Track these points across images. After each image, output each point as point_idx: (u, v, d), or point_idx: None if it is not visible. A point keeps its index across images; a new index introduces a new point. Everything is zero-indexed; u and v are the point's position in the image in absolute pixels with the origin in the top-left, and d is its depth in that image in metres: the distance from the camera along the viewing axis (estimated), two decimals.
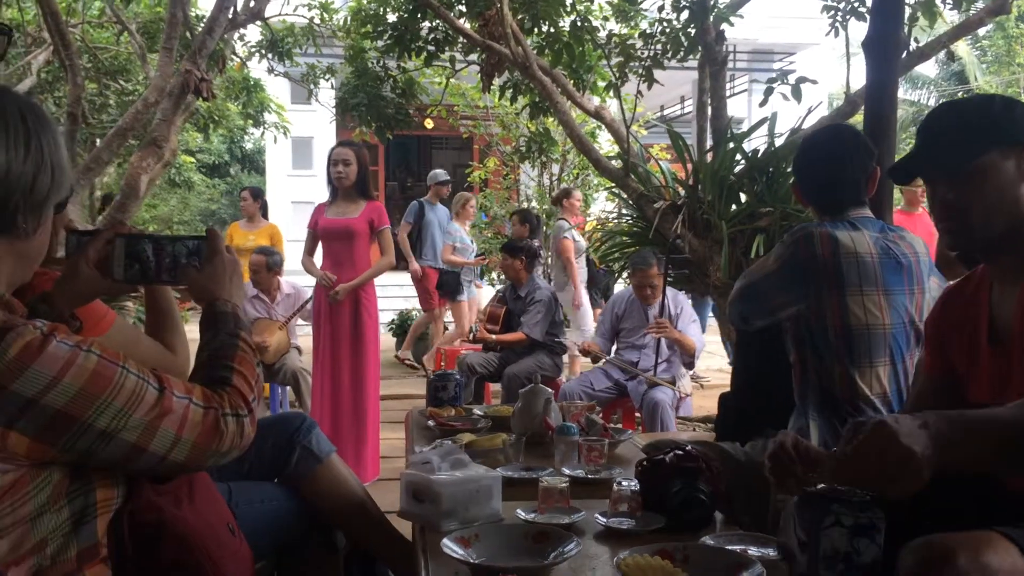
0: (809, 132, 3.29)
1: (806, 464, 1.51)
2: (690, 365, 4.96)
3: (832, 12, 5.22)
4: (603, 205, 9.75)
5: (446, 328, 8.58)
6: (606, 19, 6.52)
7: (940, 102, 19.17)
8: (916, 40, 5.22)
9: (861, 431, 1.24)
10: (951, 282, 1.83)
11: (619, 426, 2.96)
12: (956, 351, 1.73)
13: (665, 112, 16.01)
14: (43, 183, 1.28)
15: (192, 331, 1.57)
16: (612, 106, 6.52)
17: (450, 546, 1.62)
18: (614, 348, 5.16)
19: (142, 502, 1.39)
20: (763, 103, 4.90)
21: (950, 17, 6.31)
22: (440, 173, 8.57)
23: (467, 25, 6.11)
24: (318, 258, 4.83)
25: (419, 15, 6.27)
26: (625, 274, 5.10)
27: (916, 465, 1.19)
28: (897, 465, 1.20)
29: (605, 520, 1.84)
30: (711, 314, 7.89)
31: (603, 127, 6.28)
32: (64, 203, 1.40)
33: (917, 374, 1.98)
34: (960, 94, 19.00)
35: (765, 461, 1.57)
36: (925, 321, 1.90)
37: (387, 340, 8.20)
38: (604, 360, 4.99)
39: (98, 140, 7.65)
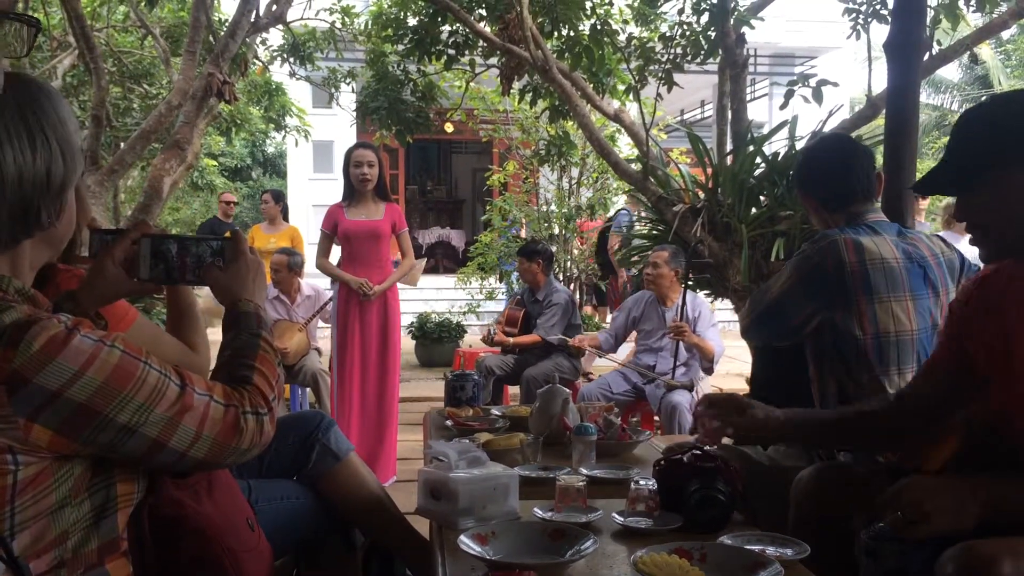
0: (806, 145, 3.29)
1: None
2: (709, 370, 4.95)
3: (854, 15, 5.19)
4: (622, 208, 9.73)
5: None
6: (626, 22, 6.52)
7: (965, 107, 19.04)
8: (938, 43, 5.18)
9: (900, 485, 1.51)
10: (977, 271, 1.80)
11: (638, 427, 2.95)
12: (979, 344, 1.71)
13: (685, 116, 15.97)
14: (57, 171, 1.27)
15: (214, 333, 1.58)
16: (632, 109, 6.51)
17: (467, 543, 1.62)
18: (631, 349, 5.15)
19: (162, 496, 1.41)
20: (783, 106, 4.88)
21: (973, 20, 6.27)
22: None
23: (487, 29, 6.12)
24: (334, 260, 4.86)
25: (439, 19, 6.29)
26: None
27: (931, 524, 1.43)
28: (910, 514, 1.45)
29: (622, 519, 1.84)
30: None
31: (623, 130, 6.26)
32: (82, 172, 1.39)
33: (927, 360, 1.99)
34: (984, 99, 18.84)
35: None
36: (951, 305, 1.87)
37: (406, 343, 8.22)
38: (619, 363, 4.99)
39: (122, 143, 7.72)
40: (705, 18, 5.22)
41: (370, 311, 4.69)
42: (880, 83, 4.49)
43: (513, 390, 5.96)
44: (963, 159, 1.60)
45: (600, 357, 5.09)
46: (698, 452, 1.93)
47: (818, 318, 2.30)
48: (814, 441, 2.18)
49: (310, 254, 6.75)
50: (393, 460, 4.74)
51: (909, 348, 2.27)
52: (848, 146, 2.47)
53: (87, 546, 1.28)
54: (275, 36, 8.75)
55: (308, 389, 5.78)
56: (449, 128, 9.68)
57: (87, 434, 1.21)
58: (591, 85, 6.01)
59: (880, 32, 4.52)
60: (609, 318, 10.62)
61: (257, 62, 8.67)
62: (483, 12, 6.26)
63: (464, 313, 9.99)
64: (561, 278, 9.33)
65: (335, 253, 4.89)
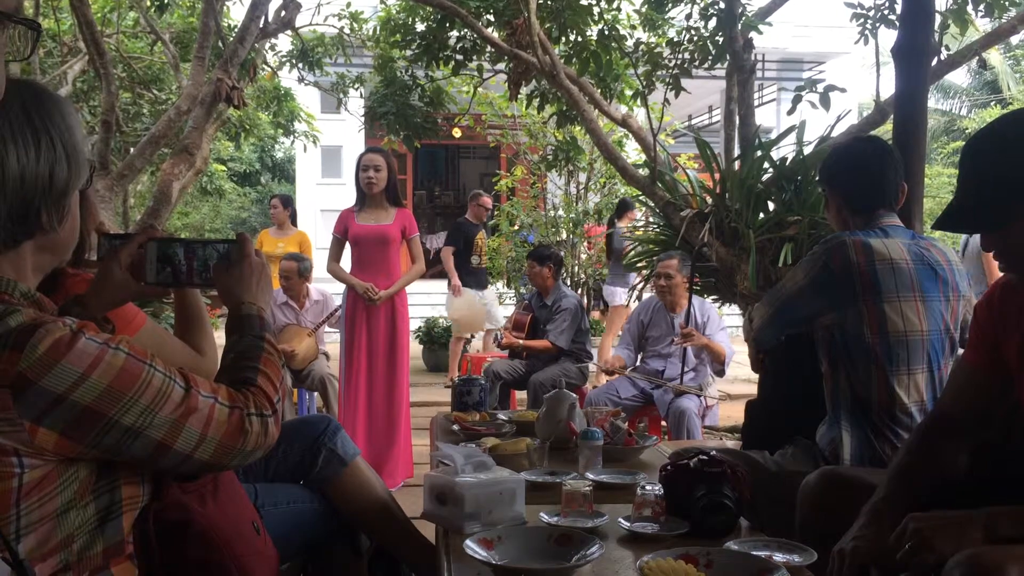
0: (841, 142, 3.25)
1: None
2: (721, 372, 4.92)
3: (862, 20, 5.19)
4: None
5: None
6: (633, 28, 6.52)
7: (974, 112, 18.69)
8: (947, 48, 5.17)
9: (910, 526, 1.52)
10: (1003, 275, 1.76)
11: (645, 432, 2.94)
12: (1009, 348, 1.70)
13: (693, 121, 15.96)
14: (61, 175, 1.28)
15: (220, 336, 1.58)
16: (639, 115, 6.51)
17: (473, 548, 1.62)
18: (639, 357, 5.14)
19: (168, 500, 1.41)
20: (791, 111, 4.87)
21: (982, 25, 6.25)
22: None
23: (495, 34, 6.13)
24: (345, 264, 4.86)
25: (447, 24, 6.31)
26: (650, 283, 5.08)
27: (935, 551, 1.44)
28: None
29: (629, 524, 1.83)
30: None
31: (630, 136, 6.27)
32: (90, 179, 1.40)
33: (958, 367, 1.95)
34: (992, 104, 18.78)
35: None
36: (975, 308, 1.85)
37: (414, 347, 8.23)
38: (627, 372, 4.97)
39: (132, 148, 7.76)
40: (713, 23, 5.23)
41: (378, 316, 4.69)
42: (888, 88, 4.48)
43: (520, 395, 5.95)
44: (982, 200, 1.58)
45: (623, 374, 5.00)
46: (704, 457, 1.93)
47: (828, 317, 2.31)
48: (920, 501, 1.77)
49: (318, 259, 6.80)
50: (403, 463, 4.73)
51: (919, 349, 2.26)
52: (887, 151, 2.45)
53: (92, 549, 1.28)
54: (284, 42, 8.79)
55: (316, 393, 5.79)
56: (457, 133, 9.70)
57: (92, 437, 1.21)
58: (599, 90, 6.02)
59: (888, 37, 4.52)
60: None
61: (266, 67, 8.70)
62: (491, 18, 6.27)
63: None
64: (568, 283, 9.32)
65: (346, 258, 4.89)
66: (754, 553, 1.64)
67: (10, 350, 1.17)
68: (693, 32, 5.45)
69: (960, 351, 2.31)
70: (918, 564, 1.47)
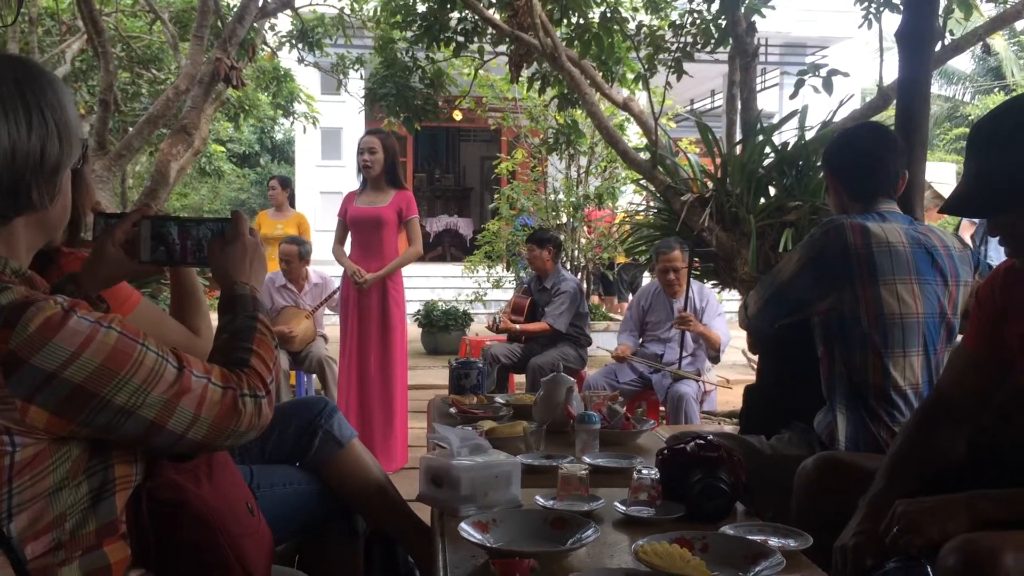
0: (846, 127, 3.25)
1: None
2: (715, 359, 4.93)
3: (865, 4, 5.15)
4: (630, 198, 9.70)
5: None
6: (636, 10, 6.48)
7: (977, 98, 18.61)
8: (951, 33, 5.14)
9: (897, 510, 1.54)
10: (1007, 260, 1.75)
11: (643, 416, 2.94)
12: (1011, 334, 1.69)
13: (695, 105, 15.91)
14: (52, 151, 1.27)
15: (215, 318, 1.57)
16: (641, 98, 6.48)
17: (468, 530, 1.62)
18: (640, 342, 5.13)
19: (161, 479, 1.40)
20: (793, 96, 4.85)
21: (986, 9, 6.20)
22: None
23: (496, 16, 6.09)
24: (348, 247, 4.85)
25: (448, 5, 6.26)
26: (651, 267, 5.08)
27: (923, 534, 1.47)
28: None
29: (624, 508, 1.83)
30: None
31: (632, 119, 6.24)
32: (84, 157, 1.39)
33: (958, 352, 1.94)
34: (996, 90, 18.72)
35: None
36: (977, 292, 1.86)
37: (413, 330, 8.23)
38: (629, 358, 4.97)
39: (130, 128, 7.72)
40: (716, 6, 5.20)
41: (369, 298, 4.66)
42: (891, 73, 4.45)
43: (519, 379, 5.95)
44: (984, 185, 1.58)
45: (635, 361, 4.98)
46: (701, 442, 1.92)
47: (826, 300, 2.31)
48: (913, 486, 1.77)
49: (316, 241, 6.79)
50: (403, 447, 4.72)
51: (915, 331, 2.27)
52: (890, 138, 2.46)
53: (85, 528, 1.27)
54: (283, 22, 8.74)
55: (315, 376, 5.79)
56: (457, 116, 9.67)
57: (84, 415, 1.21)
58: (600, 73, 5.98)
59: (892, 21, 4.49)
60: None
61: (265, 48, 8.66)
62: None
63: (471, 301, 9.98)
64: (568, 267, 9.31)
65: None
66: (749, 537, 1.64)
67: (1, 328, 1.16)
68: (695, 15, 5.42)
69: (960, 337, 2.31)
70: (906, 547, 1.48)
